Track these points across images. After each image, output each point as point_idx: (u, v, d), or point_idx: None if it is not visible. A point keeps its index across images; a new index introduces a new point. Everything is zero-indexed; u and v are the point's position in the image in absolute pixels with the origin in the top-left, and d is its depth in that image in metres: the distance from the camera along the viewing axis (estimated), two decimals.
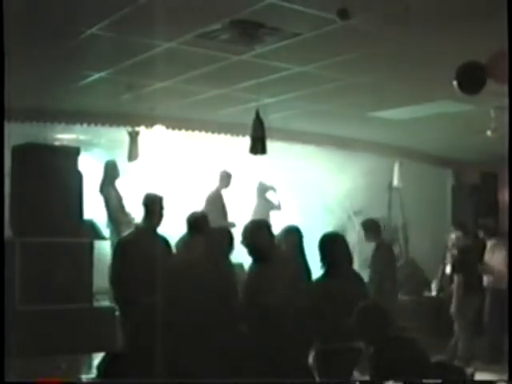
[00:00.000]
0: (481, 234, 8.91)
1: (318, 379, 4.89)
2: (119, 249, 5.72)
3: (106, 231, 8.01)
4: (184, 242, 5.83)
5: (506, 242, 8.31)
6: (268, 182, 10.15)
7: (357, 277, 5.34)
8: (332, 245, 5.23)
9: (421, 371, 3.91)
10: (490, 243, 8.68)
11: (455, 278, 8.19)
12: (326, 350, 4.85)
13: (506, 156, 4.20)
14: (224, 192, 9.14)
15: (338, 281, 4.97)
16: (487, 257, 8.61)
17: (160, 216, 5.70)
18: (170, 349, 4.51)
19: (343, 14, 4.60)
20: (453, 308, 8.11)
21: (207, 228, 5.57)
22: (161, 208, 5.72)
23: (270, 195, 10.12)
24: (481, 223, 9.03)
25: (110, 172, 8.40)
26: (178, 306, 4.71)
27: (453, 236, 9.20)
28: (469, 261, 8.39)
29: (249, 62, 6.12)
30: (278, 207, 10.00)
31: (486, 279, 8.52)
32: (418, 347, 4.23)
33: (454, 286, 8.17)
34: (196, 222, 5.71)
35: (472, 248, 8.69)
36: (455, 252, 8.73)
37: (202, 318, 4.61)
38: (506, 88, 4.18)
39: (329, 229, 10.69)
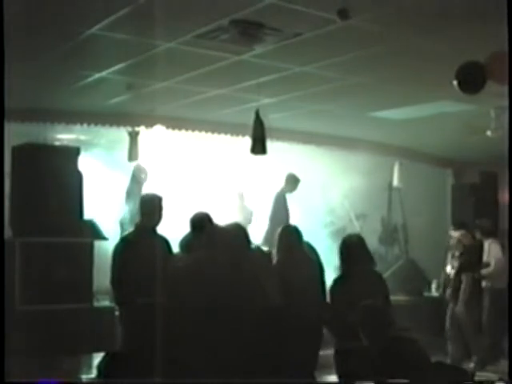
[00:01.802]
0: (478, 234, 8.91)
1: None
2: (119, 249, 5.71)
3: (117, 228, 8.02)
4: (187, 241, 5.82)
5: (503, 242, 8.32)
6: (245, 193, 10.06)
7: (376, 276, 5.39)
8: (350, 245, 5.30)
9: (422, 371, 3.91)
10: (487, 243, 8.68)
11: (463, 277, 8.22)
12: (346, 350, 4.89)
13: (506, 156, 4.19)
14: (289, 195, 9.29)
15: (355, 280, 5.02)
16: (485, 257, 8.62)
17: (159, 216, 5.70)
18: (170, 349, 4.51)
19: (343, 13, 4.60)
20: (459, 308, 8.13)
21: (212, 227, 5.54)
22: (160, 208, 5.72)
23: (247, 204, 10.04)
24: (478, 223, 9.03)
25: (137, 176, 8.55)
26: (179, 305, 4.71)
27: (455, 235, 9.17)
28: (474, 260, 8.42)
29: (249, 62, 6.12)
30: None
31: (484, 279, 8.54)
32: (418, 347, 4.23)
33: (462, 286, 8.18)
34: (199, 222, 5.71)
35: (475, 247, 8.70)
36: (460, 251, 8.69)
37: (204, 318, 4.62)
38: (505, 88, 4.18)
39: (329, 229, 10.77)
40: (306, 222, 8.88)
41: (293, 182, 9.36)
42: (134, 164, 8.83)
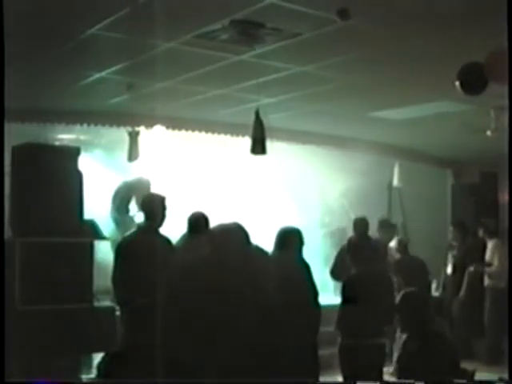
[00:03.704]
0: (480, 233, 8.92)
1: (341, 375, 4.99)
2: (121, 249, 5.72)
3: None
4: (184, 242, 5.83)
5: (505, 242, 8.34)
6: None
7: (383, 276, 5.42)
8: (358, 246, 5.33)
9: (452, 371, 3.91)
10: (490, 243, 8.69)
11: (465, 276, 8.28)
12: (351, 346, 4.91)
13: (506, 156, 4.20)
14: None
15: (362, 280, 5.04)
16: (488, 256, 8.63)
17: (162, 216, 5.70)
18: (171, 349, 4.50)
19: (343, 13, 4.60)
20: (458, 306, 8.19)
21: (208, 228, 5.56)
22: (163, 208, 5.73)
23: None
24: (481, 223, 9.05)
25: None
26: (180, 305, 4.71)
27: (449, 236, 9.23)
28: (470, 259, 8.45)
29: (249, 62, 6.12)
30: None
31: (486, 278, 8.55)
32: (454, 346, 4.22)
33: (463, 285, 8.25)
34: (197, 222, 5.71)
35: (469, 247, 8.73)
36: (454, 251, 8.76)
37: (204, 318, 4.62)
38: (505, 88, 4.18)
39: (327, 229, 10.78)
40: (304, 221, 8.89)
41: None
42: (133, 163, 8.83)
